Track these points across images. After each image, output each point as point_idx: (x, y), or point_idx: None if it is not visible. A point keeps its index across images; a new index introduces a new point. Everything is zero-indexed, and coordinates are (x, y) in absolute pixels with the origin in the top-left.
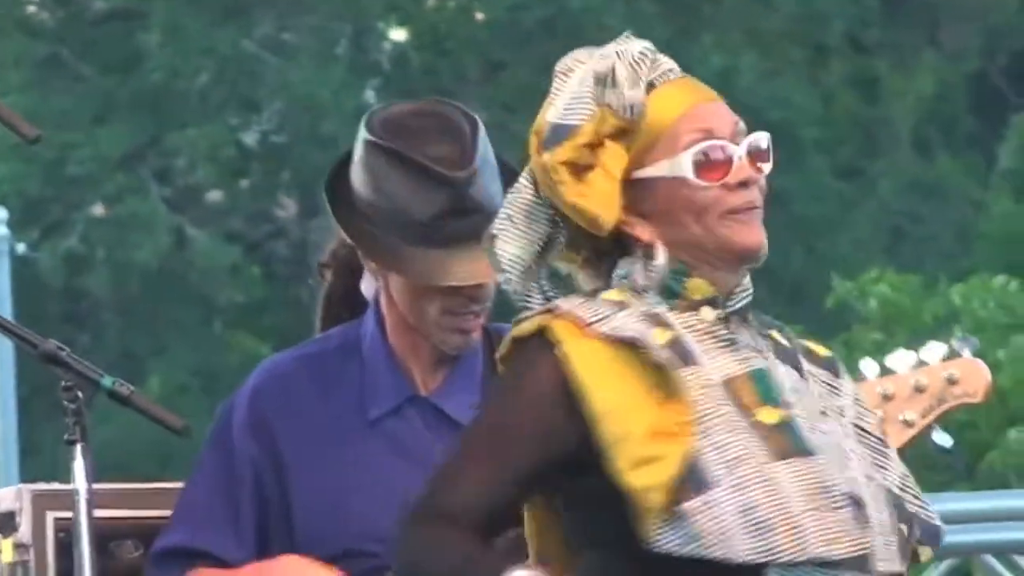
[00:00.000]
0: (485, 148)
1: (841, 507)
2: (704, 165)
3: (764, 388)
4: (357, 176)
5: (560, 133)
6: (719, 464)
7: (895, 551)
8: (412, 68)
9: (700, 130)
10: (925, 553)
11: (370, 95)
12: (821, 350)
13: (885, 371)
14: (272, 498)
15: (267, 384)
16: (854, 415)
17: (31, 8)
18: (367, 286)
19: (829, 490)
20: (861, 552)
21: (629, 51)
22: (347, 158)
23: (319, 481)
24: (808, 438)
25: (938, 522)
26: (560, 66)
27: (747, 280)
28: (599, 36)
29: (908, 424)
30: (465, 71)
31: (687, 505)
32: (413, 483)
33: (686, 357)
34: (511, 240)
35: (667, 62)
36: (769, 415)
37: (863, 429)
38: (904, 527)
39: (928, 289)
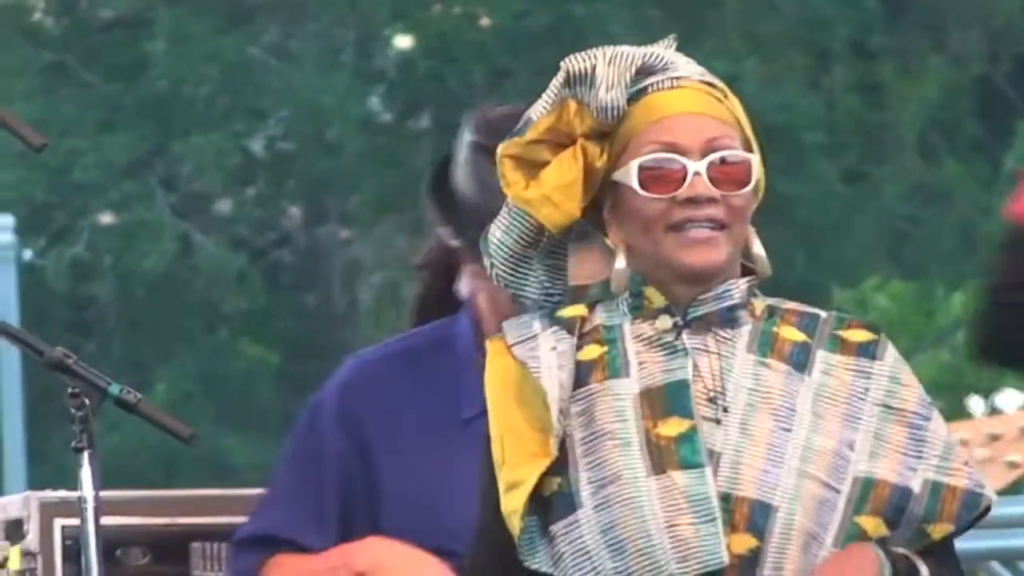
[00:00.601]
0: None
1: (711, 519)
2: (649, 177)
3: (676, 399)
4: (463, 178)
5: (521, 127)
6: (591, 484)
7: (797, 553)
8: (417, 75)
9: (659, 142)
10: (937, 530)
11: (375, 102)
12: (859, 336)
13: (994, 411)
14: (358, 493)
15: (356, 379)
16: (883, 395)
17: (36, 16)
18: (465, 286)
19: (700, 504)
20: (717, 566)
21: (627, 54)
22: (444, 164)
23: (409, 478)
24: (705, 449)
25: (981, 491)
26: (564, 61)
27: (728, 285)
28: (603, 42)
29: (1014, 466)
30: (471, 78)
31: (552, 528)
32: None
33: (617, 371)
34: (499, 226)
35: (679, 69)
36: (675, 426)
37: (890, 407)
38: (869, 519)
39: (929, 295)
